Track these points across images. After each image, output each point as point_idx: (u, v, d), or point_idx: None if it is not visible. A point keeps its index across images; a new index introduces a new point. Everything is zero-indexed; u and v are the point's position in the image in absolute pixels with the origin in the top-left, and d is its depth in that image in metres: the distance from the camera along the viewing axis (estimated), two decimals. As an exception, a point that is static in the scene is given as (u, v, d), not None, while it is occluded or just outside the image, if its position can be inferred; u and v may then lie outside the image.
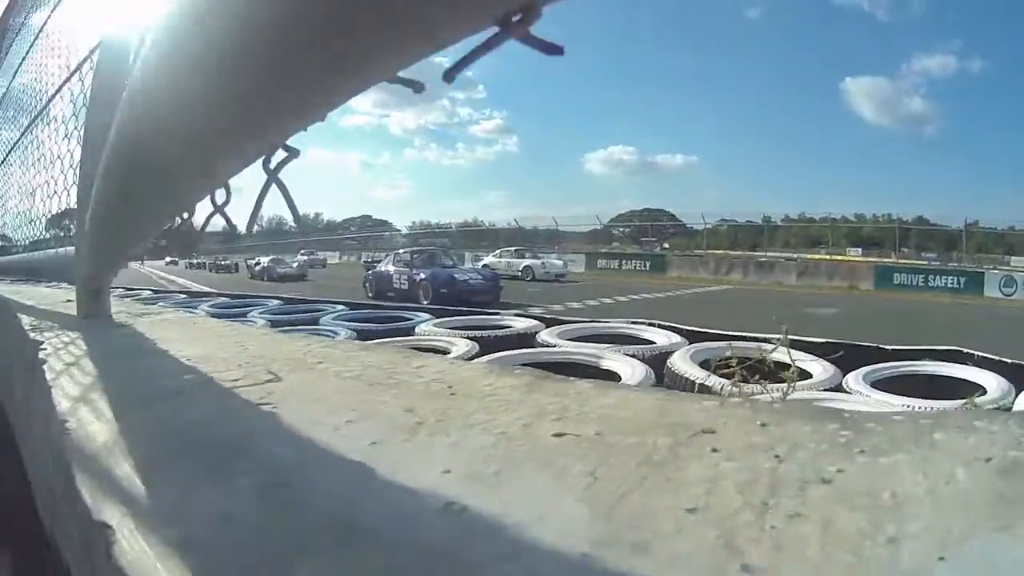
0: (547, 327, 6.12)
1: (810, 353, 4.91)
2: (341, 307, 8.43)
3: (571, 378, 1.47)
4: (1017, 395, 3.94)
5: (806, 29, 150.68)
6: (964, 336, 17.24)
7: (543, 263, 36.71)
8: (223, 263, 65.01)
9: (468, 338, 5.48)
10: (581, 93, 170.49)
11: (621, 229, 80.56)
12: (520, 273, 35.84)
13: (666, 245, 69.19)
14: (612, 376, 4.41)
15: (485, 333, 5.82)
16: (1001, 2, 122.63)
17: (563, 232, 65.18)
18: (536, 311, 18.71)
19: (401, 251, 28.06)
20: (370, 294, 24.97)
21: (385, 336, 6.15)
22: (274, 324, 7.12)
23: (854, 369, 4.55)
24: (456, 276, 22.63)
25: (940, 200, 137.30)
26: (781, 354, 4.77)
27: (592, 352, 4.87)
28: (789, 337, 4.57)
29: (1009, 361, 4.67)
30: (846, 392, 4.20)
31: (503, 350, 5.08)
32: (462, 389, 1.44)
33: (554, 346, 5.25)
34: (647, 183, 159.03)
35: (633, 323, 6.17)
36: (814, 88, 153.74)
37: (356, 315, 7.73)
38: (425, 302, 20.65)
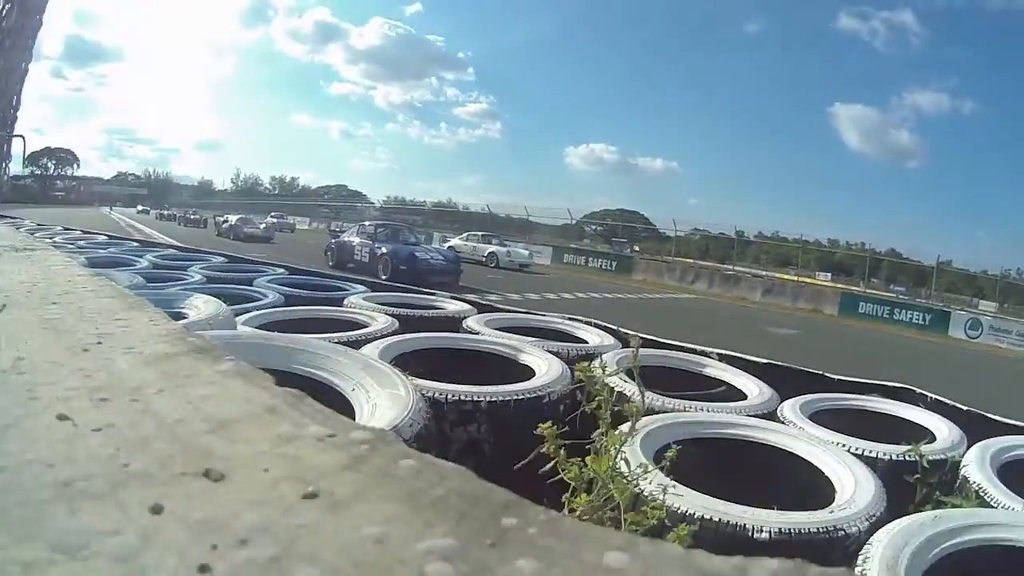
0: (479, 312, 5.67)
1: (751, 374, 4.47)
2: (281, 271, 7.93)
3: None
4: (968, 447, 3.44)
5: (803, 50, 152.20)
6: (922, 374, 17.14)
7: (508, 251, 36.16)
8: (192, 217, 64.25)
9: (391, 315, 4.97)
10: (570, 87, 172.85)
11: (593, 227, 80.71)
12: (484, 259, 35.41)
13: (636, 247, 69.01)
14: (527, 371, 3.94)
15: (410, 312, 5.36)
16: (1001, 47, 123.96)
17: (534, 223, 64.91)
18: (493, 297, 18.43)
19: (367, 223, 27.63)
20: (331, 263, 24.48)
21: (312, 303, 5.79)
22: (210, 280, 6.82)
23: (794, 396, 4.01)
24: (417, 254, 22.15)
25: (914, 234, 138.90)
26: (719, 369, 4.38)
27: (513, 344, 4.34)
28: (732, 354, 4.17)
29: (964, 408, 4.16)
30: (780, 422, 3.63)
31: (425, 331, 4.65)
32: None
33: (477, 333, 4.74)
34: (625, 184, 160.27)
35: (570, 319, 5.67)
36: (803, 109, 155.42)
37: (292, 280, 7.20)
38: (383, 277, 20.30)
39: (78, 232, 13.66)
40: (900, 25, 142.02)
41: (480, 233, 39.80)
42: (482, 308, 5.93)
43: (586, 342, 5.14)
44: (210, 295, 4.77)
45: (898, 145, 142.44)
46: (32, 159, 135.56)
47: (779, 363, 4.40)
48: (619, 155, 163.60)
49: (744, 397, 4.12)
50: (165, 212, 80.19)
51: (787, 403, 3.85)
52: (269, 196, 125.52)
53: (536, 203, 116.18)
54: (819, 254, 70.55)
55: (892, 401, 4.13)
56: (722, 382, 4.43)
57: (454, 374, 3.58)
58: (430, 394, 3.05)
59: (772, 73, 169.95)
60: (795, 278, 51.27)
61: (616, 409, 2.57)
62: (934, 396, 4.13)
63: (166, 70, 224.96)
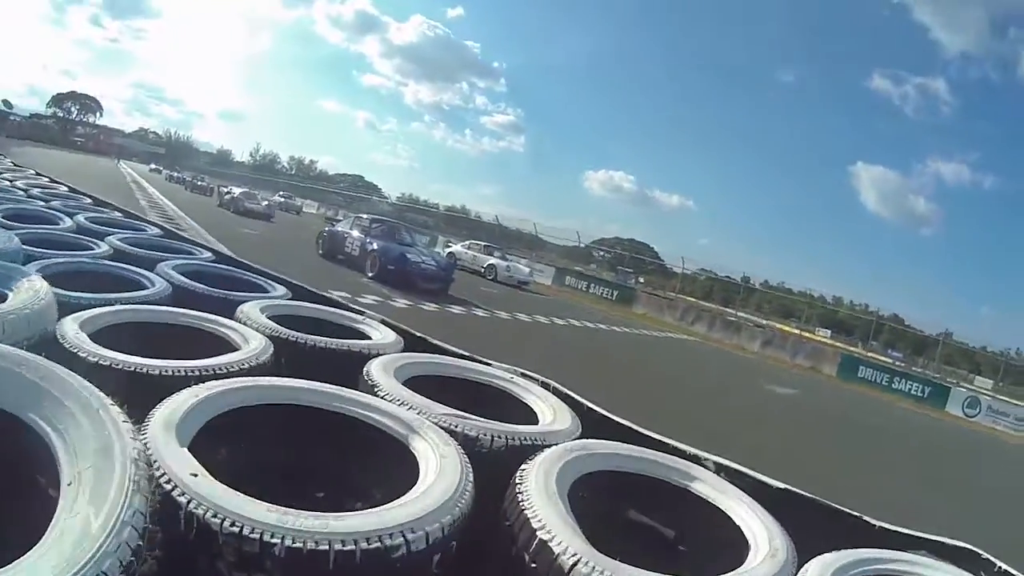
0: (403, 351, 4.20)
1: (760, 502, 2.89)
2: (208, 254, 6.73)
3: None
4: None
5: (833, 105, 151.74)
6: (934, 461, 16.27)
7: (508, 266, 34.64)
8: (200, 184, 62.96)
9: (274, 337, 3.78)
10: (597, 112, 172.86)
11: (601, 252, 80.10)
12: (483, 271, 34.21)
13: (640, 279, 68.38)
14: (408, 470, 2.58)
15: (300, 339, 3.91)
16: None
17: (543, 240, 64.55)
18: (480, 313, 17.55)
19: (364, 215, 26.09)
20: (320, 252, 24.13)
21: (200, 303, 4.45)
22: (113, 255, 5.69)
23: (820, 550, 2.52)
24: (408, 256, 20.73)
25: (918, 301, 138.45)
26: (712, 488, 3.08)
27: (408, 421, 2.82)
28: (732, 466, 3.16)
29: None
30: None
31: (310, 367, 3.40)
32: None
33: (373, 387, 3.24)
34: (639, 215, 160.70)
35: (523, 376, 4.14)
36: (825, 163, 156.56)
37: (204, 269, 5.87)
38: (370, 274, 20.47)
39: (45, 180, 12.84)
40: (932, 92, 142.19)
41: (483, 243, 38.53)
42: (411, 345, 4.48)
43: (535, 419, 3.56)
44: (88, 271, 4.52)
45: (914, 211, 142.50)
46: (56, 100, 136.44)
47: (798, 492, 3.08)
48: (637, 185, 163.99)
49: (746, 548, 2.60)
50: (175, 175, 78.18)
51: (814, 565, 2.41)
52: (285, 175, 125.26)
53: (548, 222, 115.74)
54: (823, 310, 70.03)
55: (949, 566, 2.80)
56: (719, 515, 3.14)
57: (294, 463, 2.86)
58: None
59: (799, 124, 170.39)
60: (796, 331, 50.61)
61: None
62: (1004, 566, 2.97)
63: (203, 35, 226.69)
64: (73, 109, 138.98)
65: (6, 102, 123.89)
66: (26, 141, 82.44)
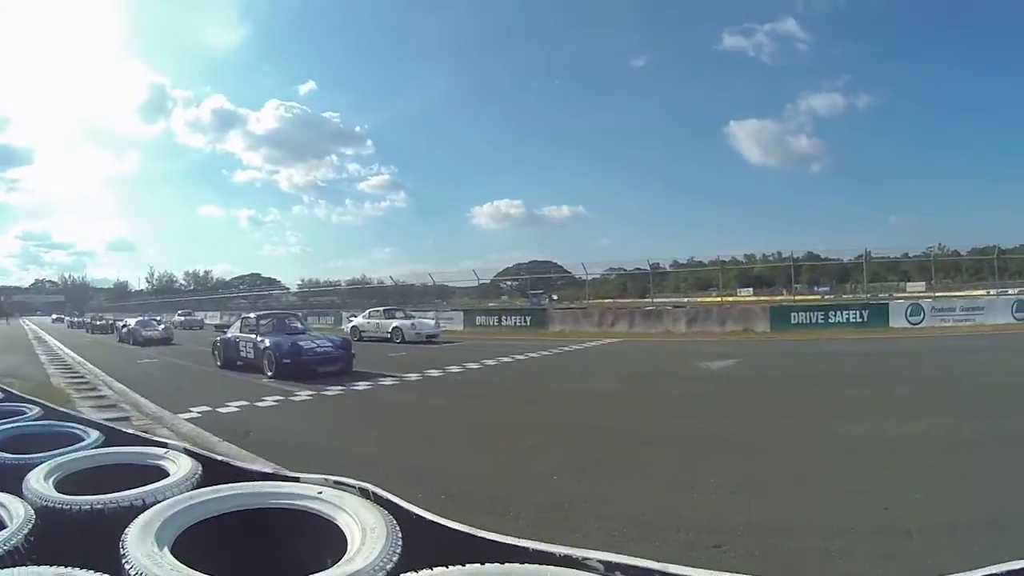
0: (199, 485, 3.72)
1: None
2: (36, 411, 6.28)
3: None
4: None
5: (691, 76, 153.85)
6: (911, 376, 16.11)
7: (413, 323, 34.51)
8: (99, 323, 64.02)
9: (43, 508, 3.24)
10: (466, 148, 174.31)
11: (508, 283, 79.95)
12: (390, 334, 33.88)
13: (554, 296, 68.43)
14: None
15: (67, 503, 3.09)
16: (885, 37, 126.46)
17: (450, 288, 64.30)
18: (388, 382, 17.10)
19: (250, 315, 24.72)
20: (218, 363, 23.00)
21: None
22: None
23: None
24: (302, 344, 19.95)
25: (827, 234, 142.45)
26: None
27: None
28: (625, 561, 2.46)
29: None
30: None
31: (74, 535, 3.16)
32: None
33: (123, 560, 2.55)
34: (536, 235, 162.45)
35: (336, 484, 3.60)
36: (700, 134, 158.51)
37: (26, 430, 5.29)
38: (270, 374, 19.47)
39: None
40: (784, 34, 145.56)
41: (383, 308, 38.30)
42: (210, 470, 3.98)
43: (343, 544, 3.00)
44: None
45: (799, 151, 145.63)
46: None
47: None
48: (524, 207, 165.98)
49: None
50: (75, 320, 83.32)
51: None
52: (184, 292, 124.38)
53: (451, 267, 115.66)
54: (738, 271, 70.30)
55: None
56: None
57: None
58: None
59: (664, 104, 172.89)
60: (718, 299, 50.75)
61: None
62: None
63: (75, 171, 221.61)
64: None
65: None
66: None
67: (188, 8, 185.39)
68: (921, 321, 31.64)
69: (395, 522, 2.96)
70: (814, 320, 33.82)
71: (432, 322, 36.91)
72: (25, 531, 3.00)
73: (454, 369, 20.82)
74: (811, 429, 10.61)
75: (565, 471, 8.43)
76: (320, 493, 3.34)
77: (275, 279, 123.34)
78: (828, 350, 24.12)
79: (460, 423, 12.68)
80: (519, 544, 2.61)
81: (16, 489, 3.58)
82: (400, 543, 2.76)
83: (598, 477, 8.19)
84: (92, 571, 2.49)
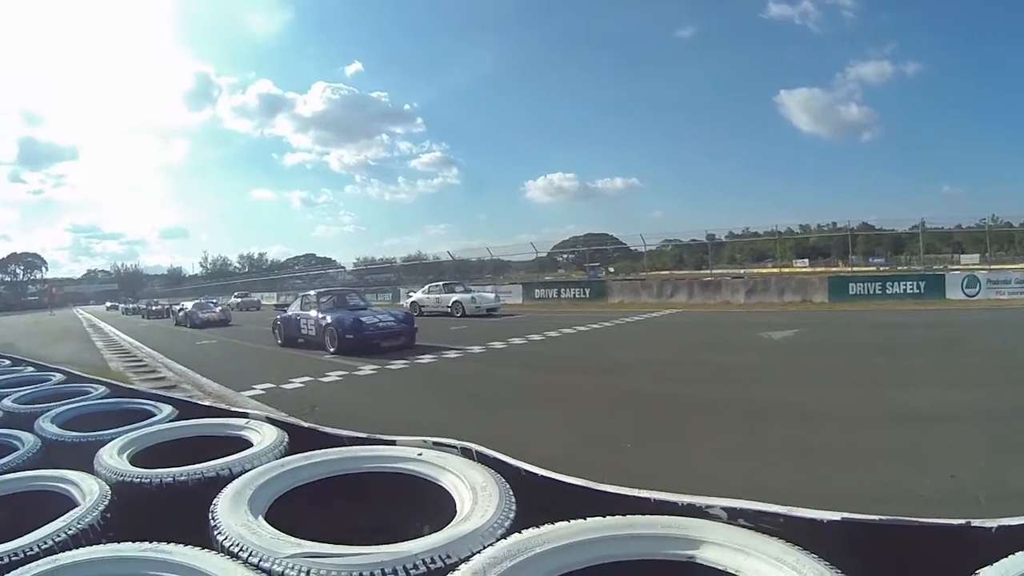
0: (286, 453, 3.49)
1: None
2: (102, 390, 6.13)
3: None
4: None
5: (737, 46, 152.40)
6: (972, 347, 15.71)
7: (473, 297, 34.16)
8: (154, 308, 62.66)
9: (118, 483, 3.14)
10: (517, 121, 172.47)
11: (565, 255, 79.62)
12: (450, 308, 33.80)
13: (611, 269, 68.11)
14: None
15: (146, 477, 3.16)
16: (932, 2, 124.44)
17: (506, 262, 64.05)
18: (452, 355, 16.91)
19: (310, 292, 24.65)
20: (279, 341, 23.21)
21: (70, 453, 3.95)
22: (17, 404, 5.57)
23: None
24: (363, 319, 19.82)
25: (879, 204, 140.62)
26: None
27: None
28: (747, 507, 2.38)
29: None
30: None
31: (158, 509, 3.01)
32: None
33: (215, 531, 2.50)
34: (590, 208, 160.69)
35: (436, 444, 3.40)
36: (750, 103, 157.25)
37: (94, 407, 5.17)
38: (332, 350, 19.42)
39: None
40: (830, 1, 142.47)
41: (442, 283, 38.09)
42: (297, 438, 3.73)
43: (451, 508, 2.61)
44: None
45: (849, 120, 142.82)
46: (0, 266, 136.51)
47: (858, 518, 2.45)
48: (578, 181, 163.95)
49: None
50: (130, 306, 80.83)
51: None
52: (239, 275, 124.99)
53: (506, 241, 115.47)
54: (794, 242, 69.53)
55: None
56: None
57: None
58: None
59: (713, 74, 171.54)
60: (776, 271, 50.12)
61: None
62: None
63: (122, 163, 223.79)
64: (18, 270, 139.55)
65: None
66: None
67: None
68: (977, 293, 30.89)
69: (504, 480, 2.83)
70: (871, 291, 33.31)
71: (492, 295, 36.54)
72: (101, 507, 2.87)
73: (517, 341, 20.76)
74: (874, 398, 10.33)
75: (639, 438, 8.38)
76: (420, 455, 3.21)
77: (330, 258, 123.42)
78: (887, 321, 23.64)
79: (527, 393, 12.54)
80: (640, 495, 2.55)
81: (87, 468, 3.45)
82: (513, 500, 2.66)
83: (670, 444, 8.18)
84: (179, 544, 2.34)
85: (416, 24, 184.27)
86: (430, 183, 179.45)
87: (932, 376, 12.00)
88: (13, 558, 2.42)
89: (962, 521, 2.12)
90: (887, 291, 32.88)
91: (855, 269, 48.17)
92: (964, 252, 61.20)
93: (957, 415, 8.87)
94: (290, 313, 23.54)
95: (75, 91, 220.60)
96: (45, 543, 2.54)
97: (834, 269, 52.68)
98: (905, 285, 32.96)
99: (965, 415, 8.85)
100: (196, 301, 47.44)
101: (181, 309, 44.68)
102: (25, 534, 2.58)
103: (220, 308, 44.89)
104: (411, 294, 40.74)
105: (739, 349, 17.68)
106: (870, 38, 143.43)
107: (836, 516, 2.21)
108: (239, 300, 67.27)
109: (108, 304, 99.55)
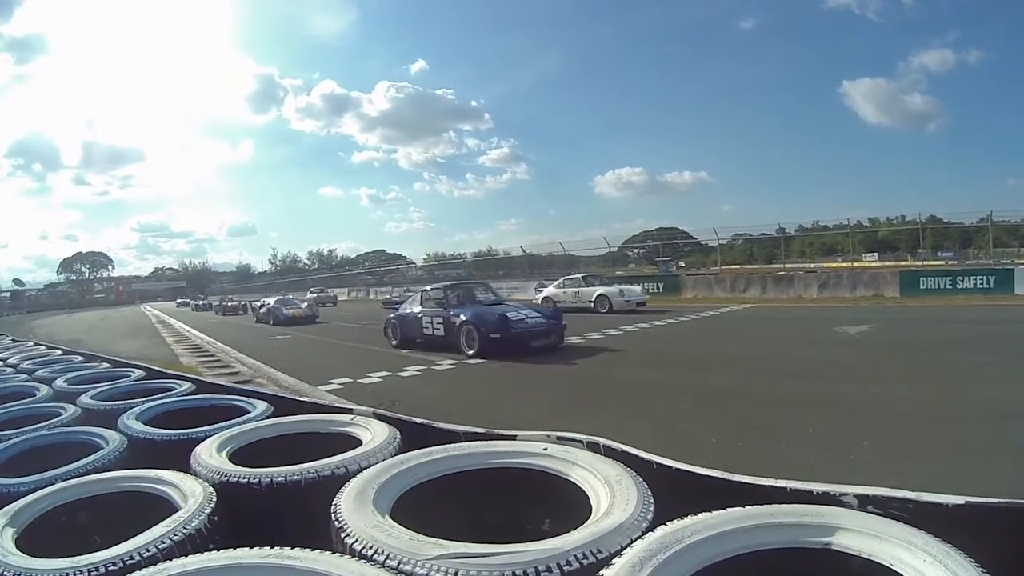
0: (399, 451, 3.41)
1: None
2: (187, 386, 5.95)
3: None
4: None
5: (799, 36, 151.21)
6: None
7: (621, 291, 31.79)
8: (230, 304, 60.71)
9: (222, 483, 3.07)
10: (585, 116, 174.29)
11: (635, 250, 79.42)
12: (593, 304, 31.66)
13: (682, 263, 67.79)
14: None
15: (254, 477, 3.05)
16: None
17: (576, 256, 63.96)
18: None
19: (431, 287, 21.81)
20: (393, 342, 20.68)
21: (160, 452, 3.94)
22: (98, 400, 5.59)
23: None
24: (509, 316, 17.32)
25: (944, 197, 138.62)
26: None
27: None
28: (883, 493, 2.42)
29: None
30: None
31: (269, 509, 2.97)
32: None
33: (341, 534, 2.42)
34: (659, 202, 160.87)
35: (561, 439, 3.32)
36: (814, 94, 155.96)
37: (181, 404, 5.23)
38: (470, 352, 17.15)
39: (41, 348, 13.20)
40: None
41: (580, 276, 36.14)
42: (411, 438, 3.50)
43: (586, 505, 2.74)
44: (42, 444, 4.28)
45: (914, 110, 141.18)
46: (65, 265, 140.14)
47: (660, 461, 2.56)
48: (646, 175, 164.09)
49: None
50: (200, 303, 79.38)
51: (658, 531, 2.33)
52: (309, 271, 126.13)
53: (576, 236, 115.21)
54: (863, 235, 68.68)
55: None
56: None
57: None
58: None
59: (777, 65, 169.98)
60: (848, 265, 49.64)
61: None
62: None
63: (189, 164, 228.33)
64: (84, 269, 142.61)
65: (17, 281, 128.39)
66: (45, 311, 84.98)
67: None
68: (1047, 288, 30.31)
69: (636, 473, 2.78)
70: (942, 285, 32.93)
71: (638, 288, 34.95)
72: (207, 511, 2.75)
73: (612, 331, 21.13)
74: (955, 394, 10.16)
75: (723, 435, 8.30)
76: (546, 449, 3.13)
77: (400, 254, 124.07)
78: (961, 316, 23.23)
79: (615, 388, 12.36)
80: (776, 484, 2.56)
81: (181, 468, 3.35)
82: (650, 493, 2.62)
83: (754, 440, 8.06)
84: (302, 548, 2.22)
85: (480, 21, 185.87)
86: (499, 179, 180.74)
87: (1011, 373, 11.63)
88: (111, 568, 2.30)
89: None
90: (957, 285, 32.55)
91: (925, 263, 47.34)
92: (1032, 246, 60.21)
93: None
94: (408, 311, 20.87)
95: (138, 97, 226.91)
96: (147, 550, 2.40)
97: (904, 263, 52.14)
98: (975, 280, 32.55)
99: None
100: (278, 296, 45.54)
101: (262, 305, 42.10)
102: (119, 541, 2.46)
103: (306, 303, 42.43)
104: (541, 288, 38.81)
105: (817, 344, 17.50)
106: (931, 26, 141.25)
107: (960, 500, 2.28)
108: (315, 295, 63.27)
109: (178, 301, 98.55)
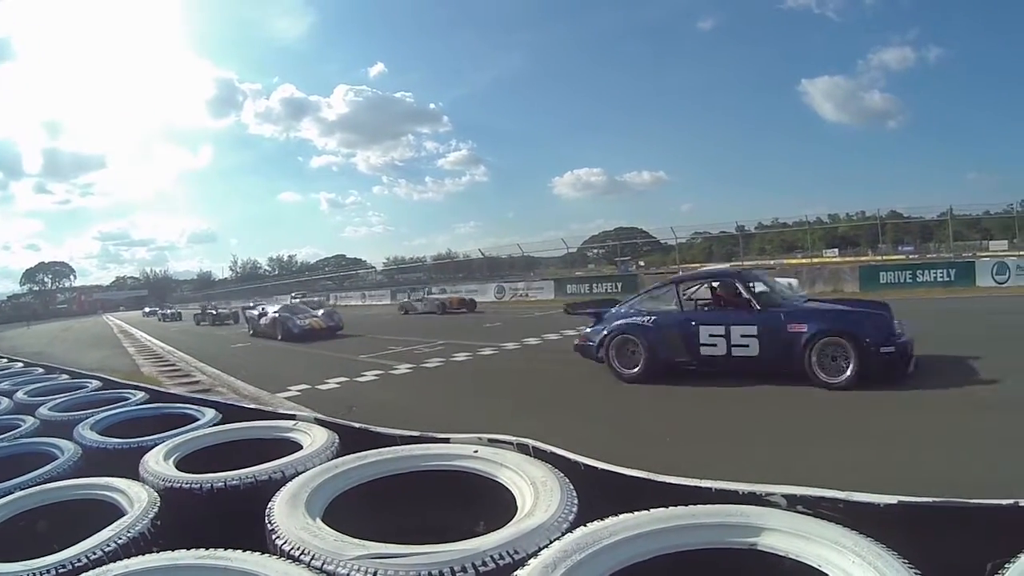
0: (338, 454, 3.52)
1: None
2: (141, 396, 5.94)
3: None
4: None
5: (757, 36, 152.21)
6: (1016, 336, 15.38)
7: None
8: (216, 313, 50.54)
9: (167, 489, 3.19)
10: (542, 117, 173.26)
11: (595, 251, 79.73)
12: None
13: (641, 263, 68.08)
14: None
15: (195, 482, 3.19)
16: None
17: (536, 259, 64.10)
18: (488, 351, 16.58)
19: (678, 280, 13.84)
20: (631, 370, 12.38)
21: (112, 462, 3.98)
22: (56, 411, 5.66)
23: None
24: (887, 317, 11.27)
25: (906, 192, 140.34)
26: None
27: None
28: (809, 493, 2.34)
29: None
30: None
31: (210, 513, 3.09)
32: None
33: (273, 535, 2.54)
34: (618, 203, 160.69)
35: (492, 441, 3.40)
36: (773, 93, 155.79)
37: (135, 414, 5.25)
38: (839, 380, 10.33)
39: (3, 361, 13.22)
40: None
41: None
42: (349, 442, 3.61)
43: (511, 504, 2.80)
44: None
45: (873, 107, 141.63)
46: (28, 276, 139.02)
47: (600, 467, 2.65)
48: (605, 175, 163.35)
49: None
50: (168, 312, 67.42)
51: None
52: (269, 278, 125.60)
53: (535, 238, 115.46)
54: (823, 232, 69.22)
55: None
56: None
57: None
58: None
59: (735, 64, 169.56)
60: (807, 261, 49.94)
61: None
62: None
63: (149, 171, 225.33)
64: (47, 279, 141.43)
65: None
66: (8, 324, 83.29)
67: (250, 1, 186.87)
68: (1007, 280, 30.60)
69: (563, 474, 2.86)
70: (902, 279, 33.32)
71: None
72: (151, 515, 2.87)
73: (552, 337, 20.70)
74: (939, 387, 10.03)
75: (681, 435, 8.44)
76: (476, 452, 3.22)
77: (360, 259, 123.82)
78: (922, 309, 22.96)
79: (575, 385, 12.75)
80: (701, 485, 2.58)
81: (131, 475, 3.46)
82: (575, 494, 2.68)
83: (729, 438, 8.09)
84: (236, 550, 2.32)
85: (438, 23, 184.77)
86: (458, 182, 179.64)
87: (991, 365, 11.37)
88: (60, 571, 2.41)
89: (1011, 501, 2.17)
90: (918, 279, 32.92)
91: (885, 258, 47.92)
92: (992, 239, 60.75)
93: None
94: (658, 316, 12.61)
95: (98, 103, 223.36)
96: (93, 553, 2.52)
97: (864, 258, 52.51)
98: (936, 273, 32.97)
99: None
100: (284, 304, 34.92)
101: (262, 314, 31.86)
102: (70, 545, 2.56)
103: (323, 310, 31.98)
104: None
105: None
106: (891, 23, 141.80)
107: (892, 499, 2.28)
108: (297, 301, 47.96)
109: (146, 310, 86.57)
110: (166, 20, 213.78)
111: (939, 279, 32.24)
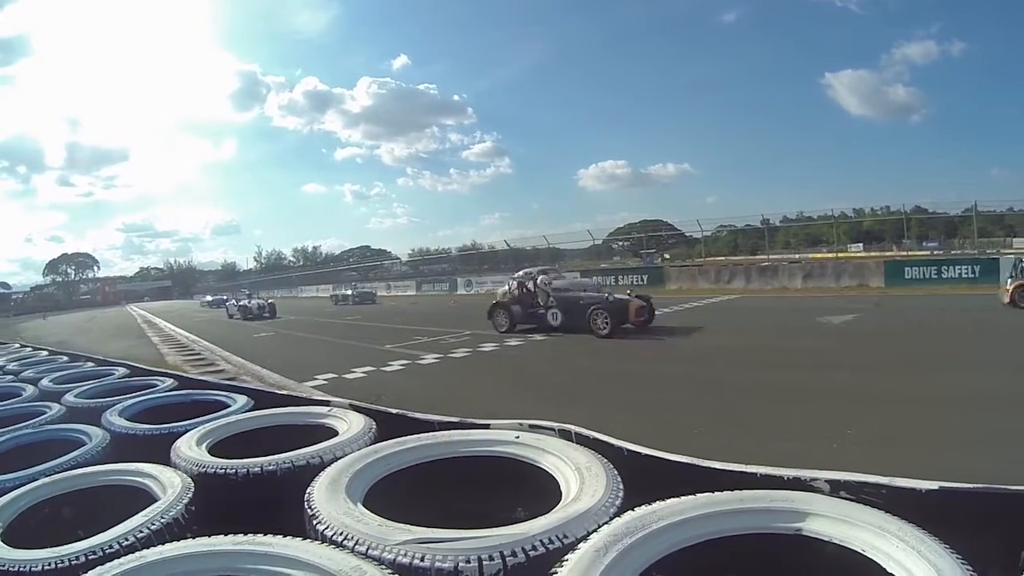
0: (375, 441, 3.43)
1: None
2: (170, 382, 5.94)
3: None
4: None
5: (781, 28, 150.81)
6: None
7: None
8: (252, 302, 42.64)
9: (200, 474, 3.12)
10: (567, 109, 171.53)
11: (620, 242, 79.41)
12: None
13: (666, 255, 67.79)
14: None
15: (231, 468, 3.12)
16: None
17: (561, 250, 63.97)
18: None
19: None
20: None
21: (141, 447, 3.94)
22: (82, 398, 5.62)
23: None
24: None
25: (929, 187, 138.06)
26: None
27: None
28: (852, 479, 2.41)
29: None
30: None
31: (248, 498, 3.02)
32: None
33: (313, 520, 2.46)
34: (643, 195, 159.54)
35: (533, 427, 3.45)
36: (797, 86, 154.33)
37: (164, 400, 5.37)
38: None
39: (28, 350, 13.00)
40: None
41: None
42: (386, 428, 3.59)
43: (556, 491, 2.76)
44: (27, 443, 4.31)
45: (897, 101, 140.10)
46: (51, 267, 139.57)
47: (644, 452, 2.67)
48: (630, 168, 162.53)
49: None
50: (249, 304, 42.80)
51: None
52: (294, 268, 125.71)
53: (560, 229, 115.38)
54: (848, 226, 68.95)
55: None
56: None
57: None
58: None
59: (759, 58, 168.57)
60: (833, 256, 49.63)
61: None
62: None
63: (173, 163, 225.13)
64: (69, 270, 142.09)
65: (3, 284, 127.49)
66: (32, 314, 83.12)
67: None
68: (1032, 277, 29.95)
69: (607, 460, 2.82)
70: (927, 275, 32.84)
71: None
72: (185, 500, 2.81)
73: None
74: (938, 382, 10.33)
75: (709, 425, 8.47)
76: (518, 437, 3.18)
77: (385, 250, 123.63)
78: (945, 305, 23.31)
79: (602, 379, 12.58)
80: (746, 470, 2.59)
81: (162, 462, 3.39)
82: (620, 479, 2.65)
83: (739, 429, 8.21)
84: (275, 535, 2.27)
85: (462, 15, 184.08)
86: (482, 173, 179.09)
87: (994, 362, 11.70)
88: (91, 556, 2.35)
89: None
90: (942, 275, 32.46)
91: (910, 253, 47.56)
92: (1016, 235, 60.26)
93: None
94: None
95: (120, 97, 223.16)
96: (126, 539, 2.47)
97: (889, 253, 52.18)
98: (960, 269, 32.45)
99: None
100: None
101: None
102: (96, 533, 2.52)
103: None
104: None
105: (801, 334, 17.59)
106: (913, 17, 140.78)
107: (934, 485, 2.29)
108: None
109: (208, 299, 72.48)
110: (188, 14, 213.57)
111: (964, 275, 31.76)
